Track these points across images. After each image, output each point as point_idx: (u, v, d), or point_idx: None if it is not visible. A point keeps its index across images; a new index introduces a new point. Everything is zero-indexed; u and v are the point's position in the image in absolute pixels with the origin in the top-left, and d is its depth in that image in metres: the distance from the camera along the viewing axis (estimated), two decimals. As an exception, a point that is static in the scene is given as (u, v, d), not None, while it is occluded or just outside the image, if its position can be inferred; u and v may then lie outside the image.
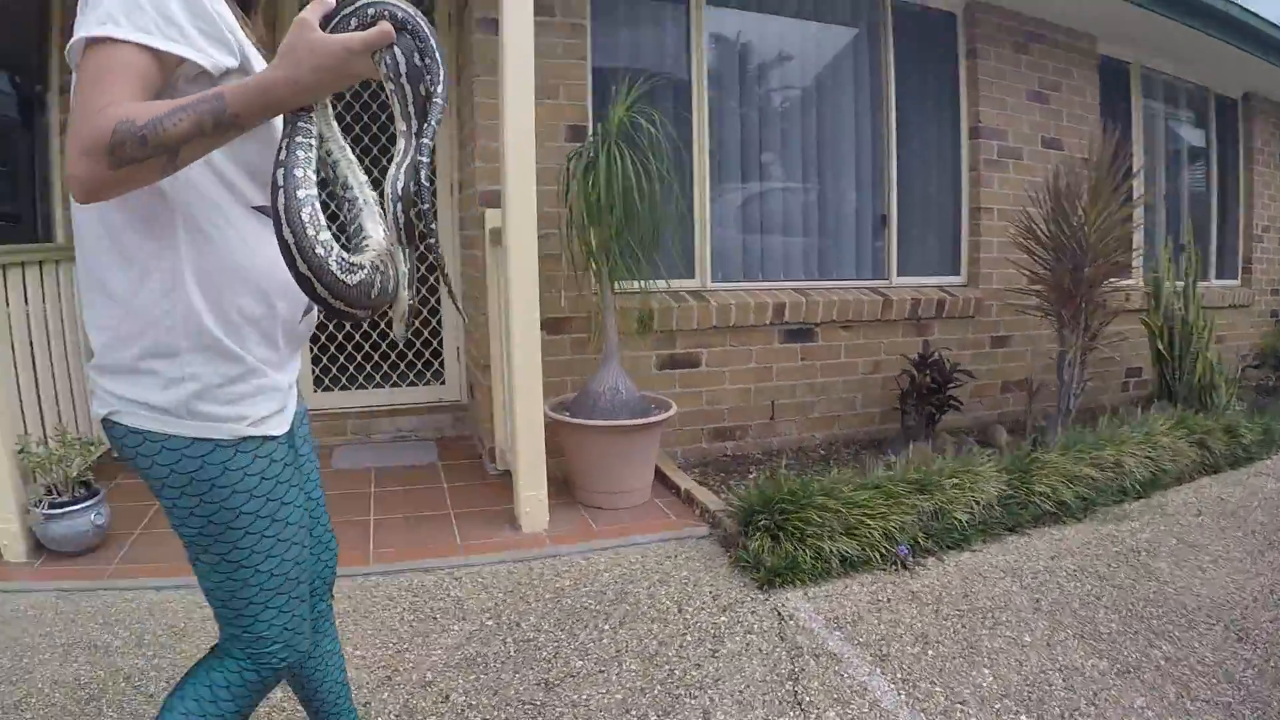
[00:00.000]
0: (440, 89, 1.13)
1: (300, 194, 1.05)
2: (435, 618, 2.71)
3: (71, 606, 2.73)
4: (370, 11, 1.11)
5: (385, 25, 1.09)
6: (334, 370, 4.53)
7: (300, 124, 1.10)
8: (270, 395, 1.27)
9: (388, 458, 4.17)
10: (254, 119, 1.06)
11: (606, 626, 2.64)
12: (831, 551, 2.88)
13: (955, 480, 3.28)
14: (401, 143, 1.15)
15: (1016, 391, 4.94)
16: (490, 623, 2.67)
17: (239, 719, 1.36)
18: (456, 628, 2.65)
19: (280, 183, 1.05)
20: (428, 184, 1.10)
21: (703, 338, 4.13)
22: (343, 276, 1.06)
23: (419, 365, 4.67)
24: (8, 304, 3.15)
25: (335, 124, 1.20)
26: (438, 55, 1.14)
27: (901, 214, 4.73)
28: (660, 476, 3.81)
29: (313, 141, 1.10)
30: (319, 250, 1.04)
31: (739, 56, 4.39)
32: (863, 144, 4.66)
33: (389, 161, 1.16)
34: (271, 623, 1.32)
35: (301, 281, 1.06)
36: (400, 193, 1.09)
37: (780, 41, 4.48)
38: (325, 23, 1.10)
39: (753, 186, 4.47)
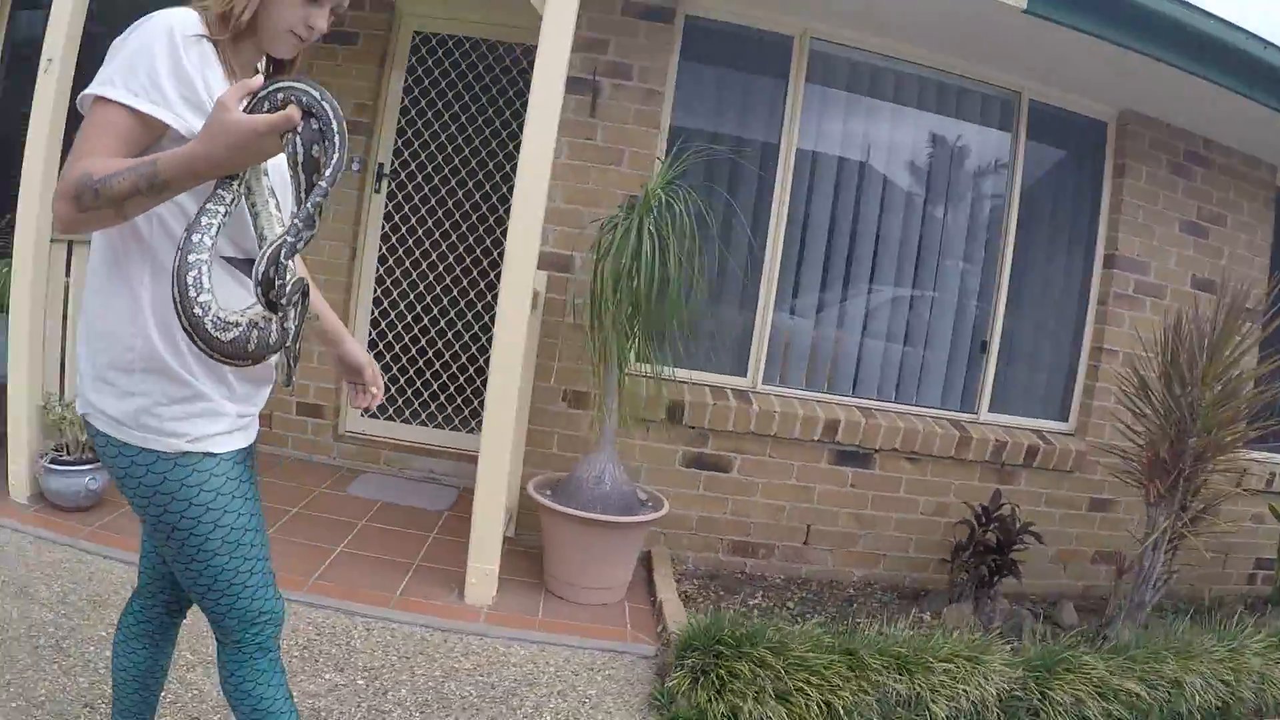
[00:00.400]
0: (329, 173, 1.25)
1: (191, 257, 1.20)
2: (317, 660, 2.63)
3: (35, 551, 2.99)
4: (279, 96, 1.25)
5: (290, 111, 1.21)
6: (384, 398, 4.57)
7: (219, 190, 1.25)
8: (215, 418, 1.43)
9: (402, 495, 4.12)
10: (182, 185, 1.23)
11: (462, 727, 2.38)
12: (751, 716, 2.45)
13: (950, 665, 2.73)
14: (279, 229, 1.29)
15: (1110, 565, 4.16)
16: (360, 682, 2.54)
17: (284, 701, 1.60)
18: (327, 676, 2.54)
19: (180, 245, 1.22)
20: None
21: (739, 442, 3.80)
22: (216, 333, 1.20)
23: (465, 411, 4.62)
24: (67, 275, 3.43)
25: (265, 179, 1.32)
26: (336, 139, 1.26)
27: (1006, 341, 4.16)
28: (647, 578, 3.49)
29: (223, 208, 1.24)
30: (196, 310, 1.18)
31: (836, 141, 4.07)
32: (972, 255, 4.18)
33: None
34: (248, 608, 1.52)
35: (184, 333, 1.22)
36: (259, 276, 1.23)
37: (886, 130, 4.13)
38: (251, 102, 1.26)
39: (833, 285, 4.11)
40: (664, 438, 3.79)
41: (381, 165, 4.44)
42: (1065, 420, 4.25)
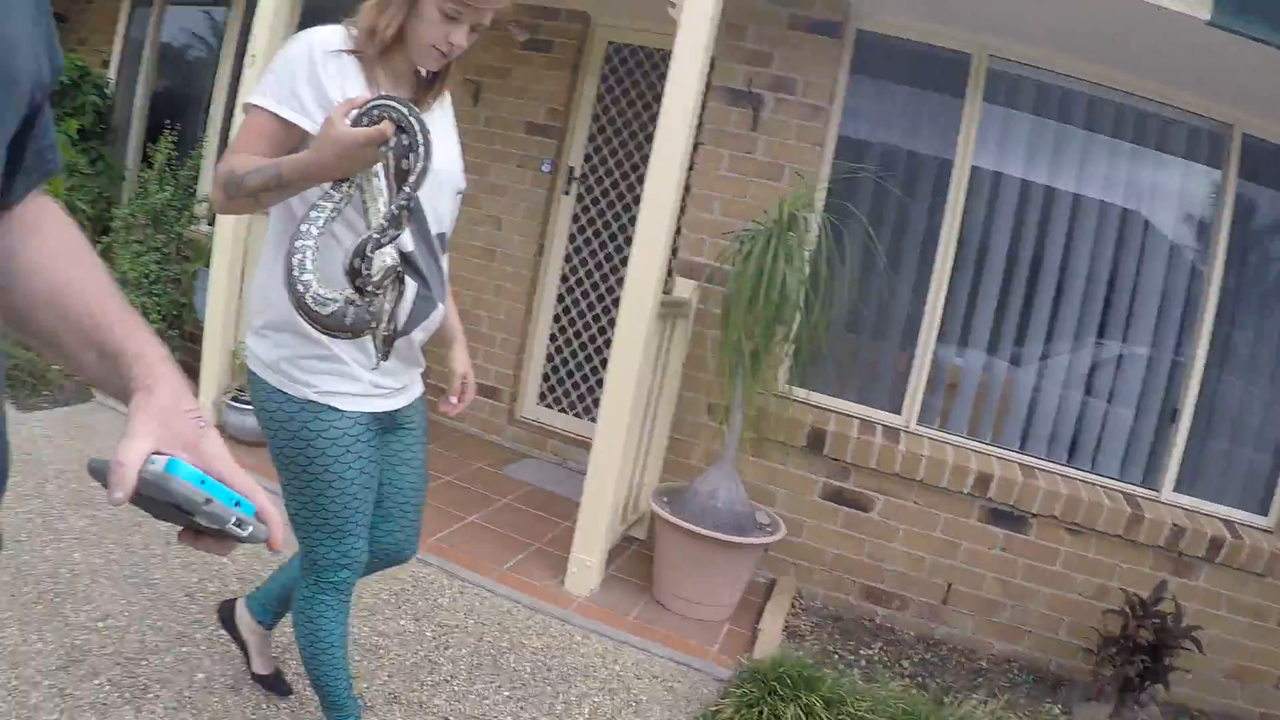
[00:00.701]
0: (413, 180, 1.42)
1: (297, 244, 1.38)
2: (400, 606, 2.86)
3: None
4: (376, 112, 1.41)
5: (384, 126, 1.39)
6: (558, 390, 4.80)
7: (331, 190, 1.44)
8: (344, 379, 1.66)
9: (554, 483, 4.31)
10: (300, 185, 1.46)
11: (502, 694, 2.48)
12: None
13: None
14: (375, 219, 1.45)
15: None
16: (429, 634, 2.74)
17: (338, 636, 1.82)
18: (402, 623, 2.76)
19: (291, 235, 1.41)
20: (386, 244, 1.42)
21: (882, 482, 3.56)
22: (315, 308, 1.36)
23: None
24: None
25: (376, 180, 1.46)
26: (422, 151, 1.42)
27: (1202, 411, 3.53)
28: (761, 605, 3.39)
29: (330, 204, 1.43)
30: (299, 288, 1.36)
31: (1016, 165, 3.68)
32: (1168, 307, 3.58)
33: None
34: (327, 553, 1.74)
35: (292, 307, 1.40)
36: (345, 265, 1.39)
37: (1074, 158, 3.65)
38: (357, 116, 1.42)
39: (1006, 323, 3.71)
40: (805, 466, 3.65)
41: (572, 169, 4.68)
42: (1265, 514, 3.51)
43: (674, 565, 3.24)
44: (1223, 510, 3.54)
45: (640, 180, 4.61)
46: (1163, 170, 3.64)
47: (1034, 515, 3.43)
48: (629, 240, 4.71)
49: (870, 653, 3.30)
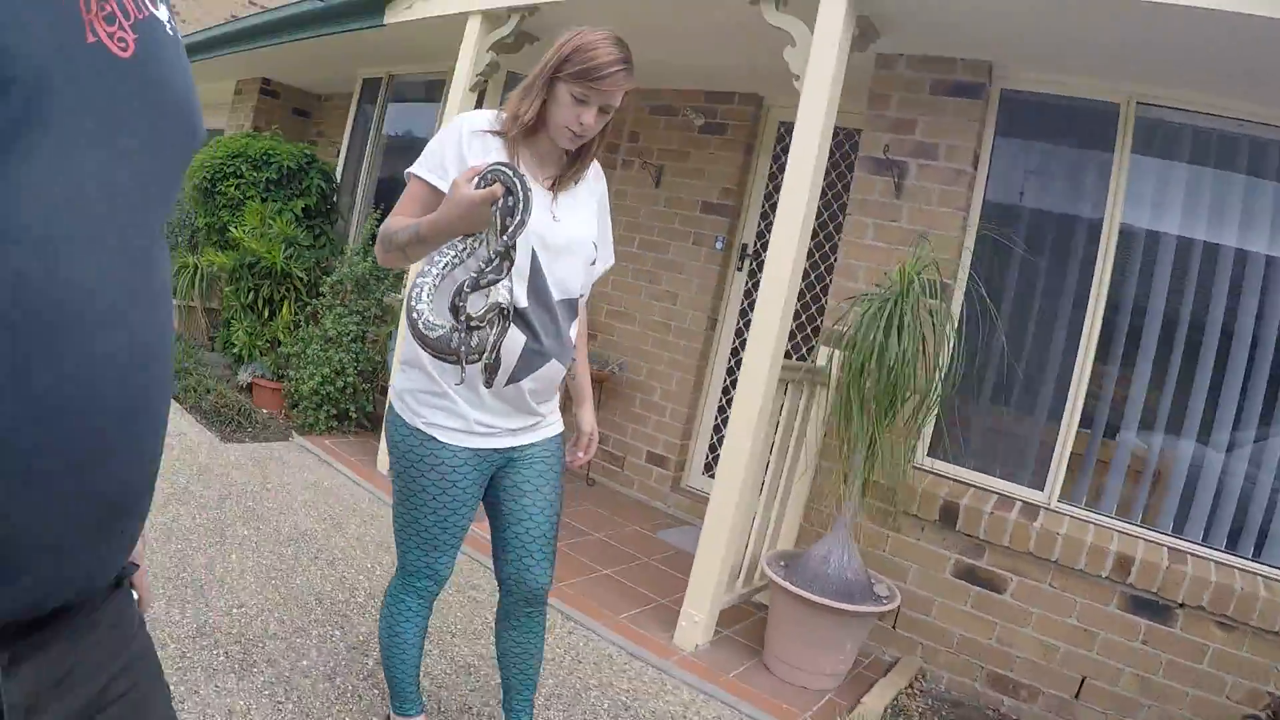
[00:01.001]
0: (511, 230, 1.60)
1: (418, 280, 1.62)
2: None
3: (361, 494, 4.04)
4: (489, 176, 1.63)
5: (495, 188, 1.60)
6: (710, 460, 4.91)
7: (456, 241, 1.67)
8: (450, 415, 1.89)
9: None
10: (435, 240, 1.68)
11: (562, 717, 2.59)
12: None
13: None
14: (495, 261, 1.64)
15: None
16: None
17: (411, 635, 2.08)
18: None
19: (414, 275, 1.72)
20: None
21: (1017, 562, 3.35)
22: (425, 332, 1.58)
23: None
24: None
25: (496, 230, 1.65)
26: (521, 206, 1.60)
27: None
28: (871, 680, 3.28)
29: (453, 252, 1.65)
30: (413, 315, 1.60)
31: (1172, 221, 3.38)
32: None
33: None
34: (415, 560, 2.00)
35: (409, 335, 1.65)
36: (449, 303, 1.60)
37: (1236, 208, 3.30)
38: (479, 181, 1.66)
39: (1163, 391, 3.39)
40: (937, 541, 3.51)
41: (745, 245, 4.85)
42: None
43: (781, 629, 3.22)
44: None
45: (811, 254, 4.75)
46: None
47: (1180, 605, 3.08)
48: (795, 315, 4.82)
49: (988, 746, 3.09)
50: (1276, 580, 3.09)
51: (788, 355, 4.30)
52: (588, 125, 1.81)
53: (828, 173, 4.69)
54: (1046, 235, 3.64)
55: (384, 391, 4.90)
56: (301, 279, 5.38)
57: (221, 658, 2.51)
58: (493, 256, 1.62)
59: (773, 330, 3.12)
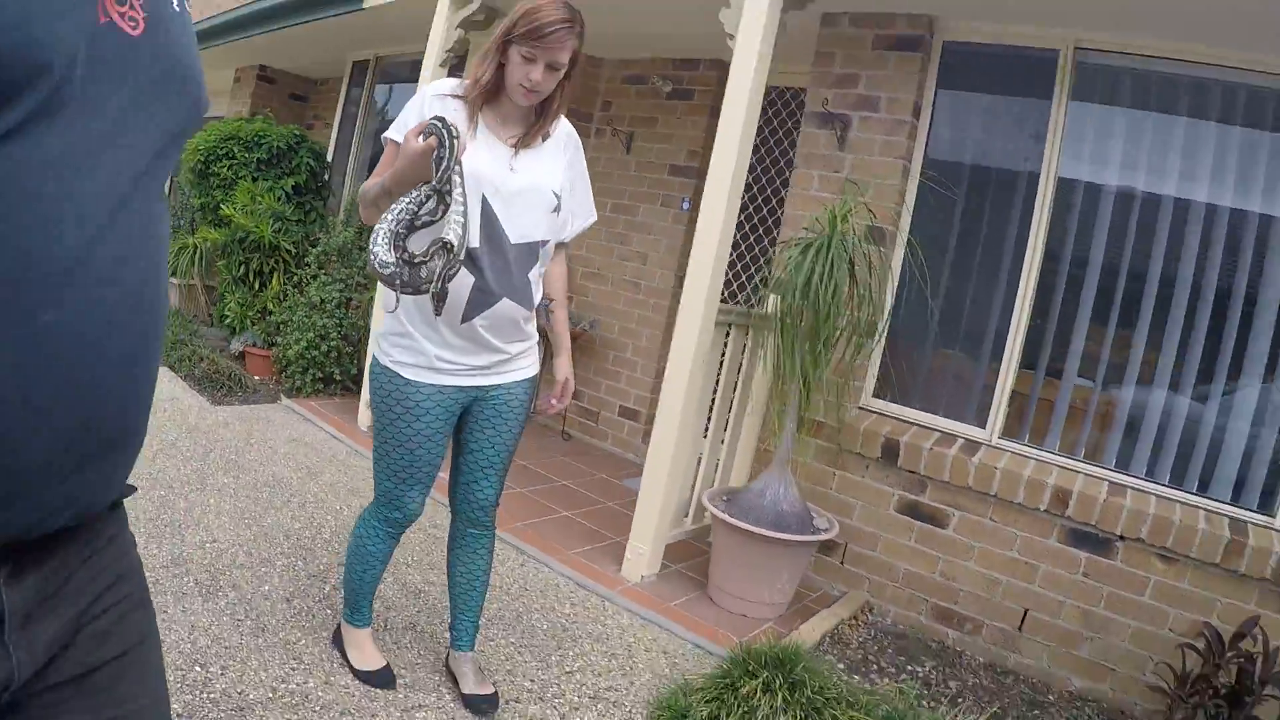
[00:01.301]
0: (438, 174, 1.82)
1: (376, 227, 1.85)
2: None
3: (339, 448, 4.13)
4: (428, 130, 1.85)
5: (431, 140, 1.83)
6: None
7: (413, 191, 1.88)
8: (414, 352, 2.08)
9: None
10: (399, 191, 1.90)
11: (509, 639, 2.75)
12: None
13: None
14: (430, 203, 1.87)
15: None
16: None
17: (373, 557, 2.27)
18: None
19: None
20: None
21: (958, 497, 3.45)
22: (378, 269, 1.82)
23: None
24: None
25: (456, 179, 1.87)
26: (447, 154, 1.82)
27: None
28: (812, 609, 3.40)
29: (406, 200, 1.86)
30: (370, 255, 1.84)
31: (1112, 169, 3.44)
32: None
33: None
34: (388, 490, 2.19)
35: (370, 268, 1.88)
36: (394, 239, 1.84)
37: (1176, 151, 3.35)
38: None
39: (1102, 333, 3.45)
40: (881, 478, 3.62)
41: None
42: None
43: (721, 560, 3.35)
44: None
45: (771, 211, 4.86)
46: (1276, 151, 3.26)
47: (1120, 538, 3.16)
48: (751, 266, 4.94)
49: (920, 670, 3.18)
50: (1217, 513, 3.14)
51: (740, 303, 4.43)
52: (537, 81, 1.98)
53: (777, 131, 4.82)
54: (988, 183, 3.73)
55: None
56: (290, 251, 5.59)
57: (191, 584, 2.70)
58: (424, 199, 1.84)
59: (706, 274, 3.24)
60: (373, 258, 1.82)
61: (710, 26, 3.45)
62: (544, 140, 2.14)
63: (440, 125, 1.84)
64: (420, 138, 1.84)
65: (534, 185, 2.09)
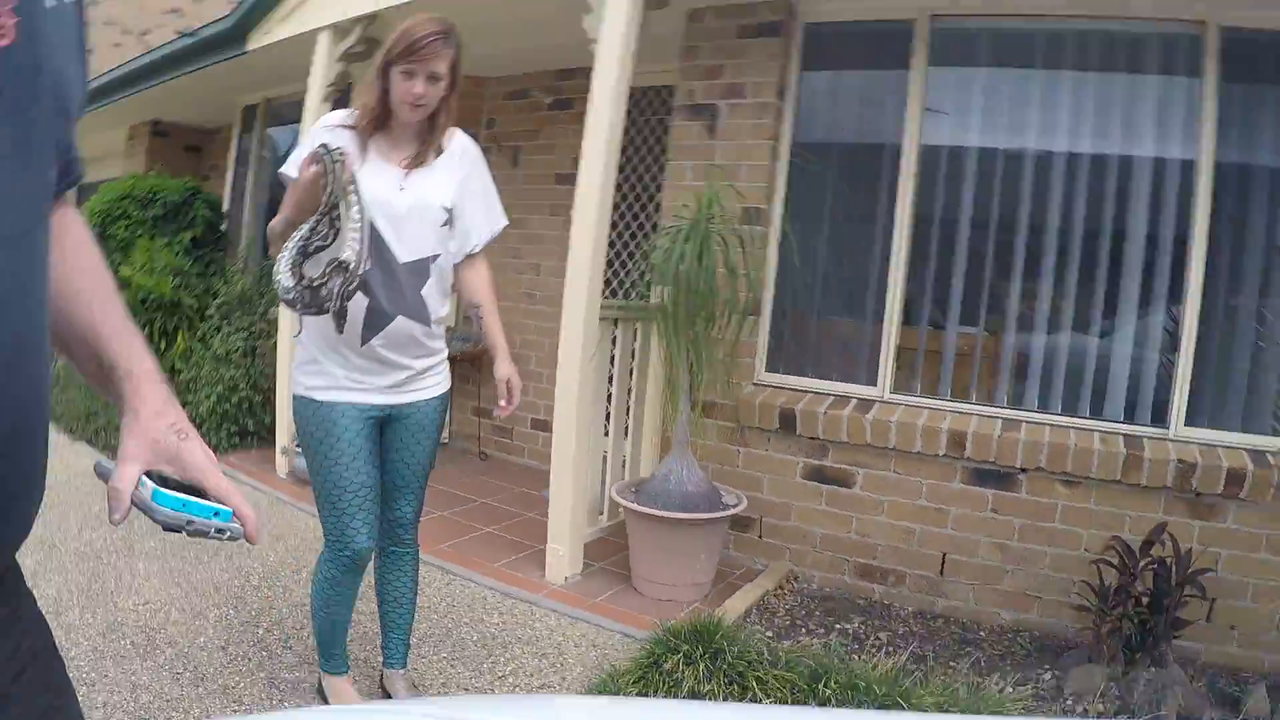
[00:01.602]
0: (325, 198, 1.95)
1: (279, 256, 1.97)
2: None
3: (260, 498, 4.15)
4: (317, 158, 1.94)
5: (316, 169, 1.92)
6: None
7: (312, 219, 1.99)
8: (321, 376, 2.14)
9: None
10: (299, 220, 2.00)
11: (440, 654, 2.79)
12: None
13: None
14: (321, 227, 1.99)
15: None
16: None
17: (336, 602, 2.27)
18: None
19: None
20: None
21: (859, 455, 3.57)
22: (283, 295, 1.95)
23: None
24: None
25: (354, 198, 1.97)
26: (332, 182, 1.93)
27: (1207, 334, 3.21)
28: (737, 585, 3.49)
29: (305, 228, 1.98)
30: (274, 282, 1.97)
31: (972, 129, 3.61)
32: (1158, 223, 3.32)
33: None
34: (332, 527, 2.19)
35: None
36: (292, 263, 1.99)
37: (1035, 104, 3.53)
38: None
39: (977, 286, 3.62)
40: (783, 448, 3.72)
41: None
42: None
43: (638, 549, 3.43)
44: (1246, 440, 3.16)
45: (657, 207, 4.93)
46: (1134, 90, 3.41)
47: (1021, 470, 3.30)
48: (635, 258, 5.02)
49: (849, 627, 3.29)
50: (1113, 433, 3.29)
51: (634, 297, 4.51)
52: (420, 94, 2.06)
53: (657, 130, 4.90)
54: (857, 155, 3.87)
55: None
56: (192, 306, 5.55)
57: (128, 646, 2.72)
58: (315, 223, 1.96)
59: (584, 272, 3.33)
60: (276, 284, 1.93)
61: (581, 35, 3.53)
62: (437, 156, 2.20)
63: (324, 151, 1.92)
64: (311, 167, 1.93)
65: (422, 202, 2.15)
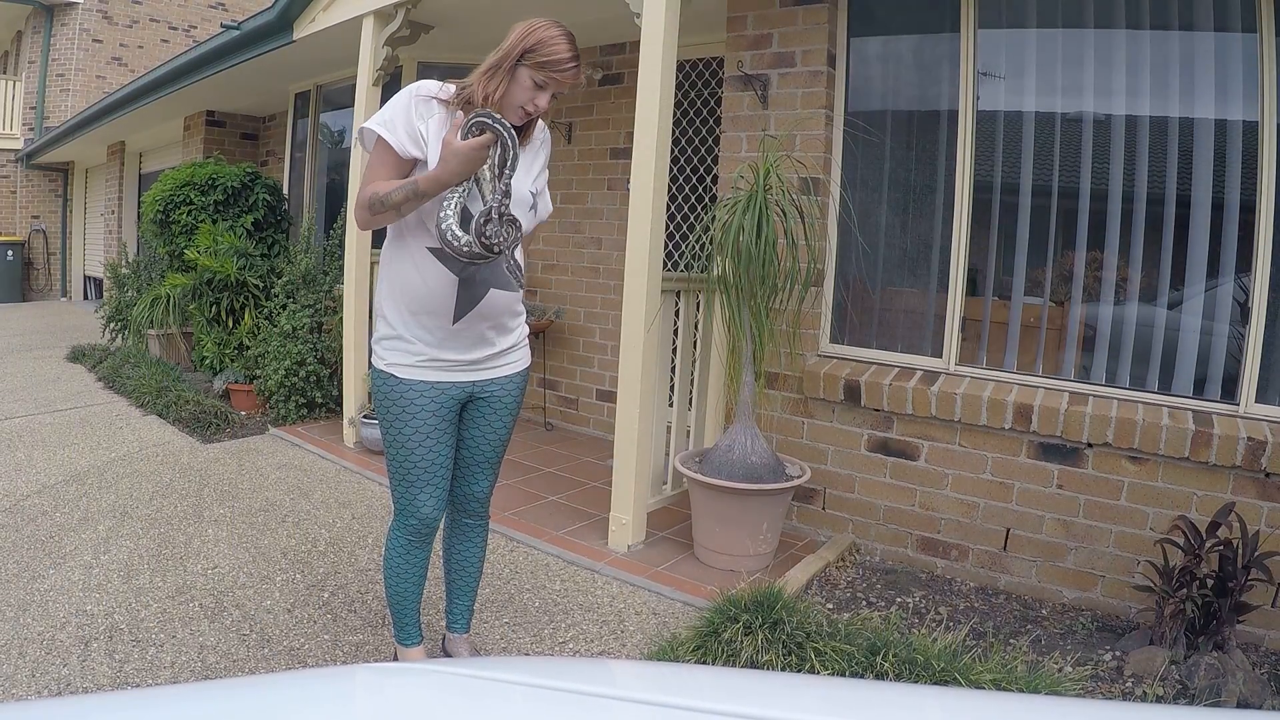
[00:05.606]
0: (508, 171, 1.98)
1: (440, 216, 1.98)
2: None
3: (346, 477, 4.28)
4: (474, 126, 1.97)
5: (488, 136, 1.95)
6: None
7: (454, 190, 2.00)
8: (404, 353, 2.14)
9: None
10: (432, 192, 1.98)
11: (501, 620, 2.84)
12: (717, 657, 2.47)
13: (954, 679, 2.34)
14: (479, 202, 2.02)
15: None
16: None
17: (406, 572, 2.31)
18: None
19: (436, 222, 2.01)
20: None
21: (925, 428, 3.53)
22: (453, 241, 1.96)
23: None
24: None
25: (487, 173, 2.03)
26: (511, 150, 1.97)
27: (1278, 305, 3.07)
28: (798, 556, 3.49)
29: (456, 195, 1.99)
30: (448, 236, 1.97)
31: (1029, 92, 3.52)
32: (1224, 188, 3.18)
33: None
34: (400, 496, 2.23)
35: (448, 250, 2.00)
36: (479, 225, 1.97)
37: (1090, 65, 3.41)
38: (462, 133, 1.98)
39: (1041, 254, 3.52)
40: (848, 420, 3.70)
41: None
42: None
43: (701, 519, 3.44)
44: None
45: (704, 178, 4.92)
46: (1192, 48, 3.25)
47: (1088, 445, 3.23)
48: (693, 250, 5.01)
49: (910, 601, 3.27)
50: (1181, 409, 3.19)
51: (697, 271, 4.51)
52: (540, 108, 2.08)
53: (710, 102, 4.87)
54: (912, 123, 3.80)
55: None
56: (258, 286, 5.68)
57: (196, 609, 2.82)
58: (504, 186, 1.97)
59: (644, 244, 3.33)
60: (444, 231, 1.95)
61: (624, 8, 3.53)
62: (524, 147, 2.20)
63: (498, 123, 1.94)
64: (459, 135, 1.93)
65: (518, 188, 2.15)
